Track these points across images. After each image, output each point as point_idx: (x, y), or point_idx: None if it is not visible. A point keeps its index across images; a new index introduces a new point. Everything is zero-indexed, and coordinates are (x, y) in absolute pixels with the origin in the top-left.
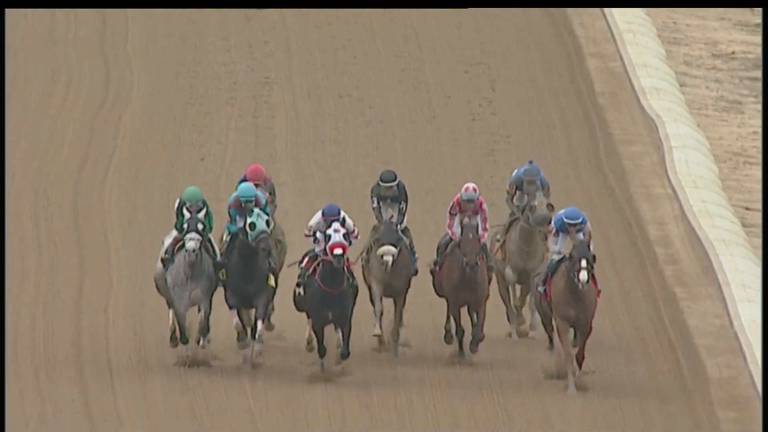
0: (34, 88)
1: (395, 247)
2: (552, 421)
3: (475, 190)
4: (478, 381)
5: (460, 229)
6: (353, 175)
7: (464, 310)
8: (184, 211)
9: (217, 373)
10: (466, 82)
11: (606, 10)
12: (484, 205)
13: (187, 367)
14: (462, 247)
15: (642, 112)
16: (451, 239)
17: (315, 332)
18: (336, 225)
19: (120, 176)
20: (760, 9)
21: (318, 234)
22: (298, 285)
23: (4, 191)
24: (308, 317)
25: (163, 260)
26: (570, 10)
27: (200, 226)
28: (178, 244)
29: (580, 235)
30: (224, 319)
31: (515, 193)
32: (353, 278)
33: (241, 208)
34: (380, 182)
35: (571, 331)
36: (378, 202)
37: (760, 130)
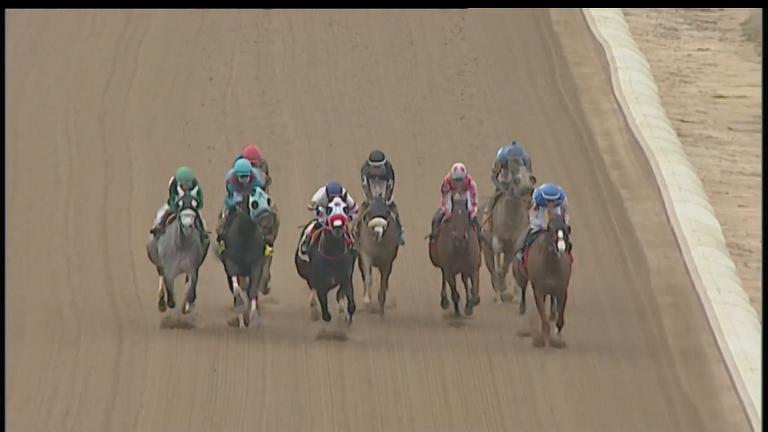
0: (66, 19)
1: (384, 219)
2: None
3: (463, 169)
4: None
5: (451, 205)
6: (341, 93)
7: (458, 277)
8: (178, 189)
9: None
10: (441, 13)
11: None
12: (473, 182)
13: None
14: (452, 221)
15: (592, 38)
16: (444, 214)
17: (318, 297)
18: (337, 200)
19: (140, 94)
20: None
21: (321, 208)
22: (303, 252)
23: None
24: (309, 285)
25: (154, 231)
26: None
27: (194, 203)
28: (170, 217)
29: (558, 210)
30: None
31: (500, 170)
32: (352, 246)
33: (238, 182)
34: (369, 161)
35: (548, 298)
36: (367, 180)
37: (694, 52)
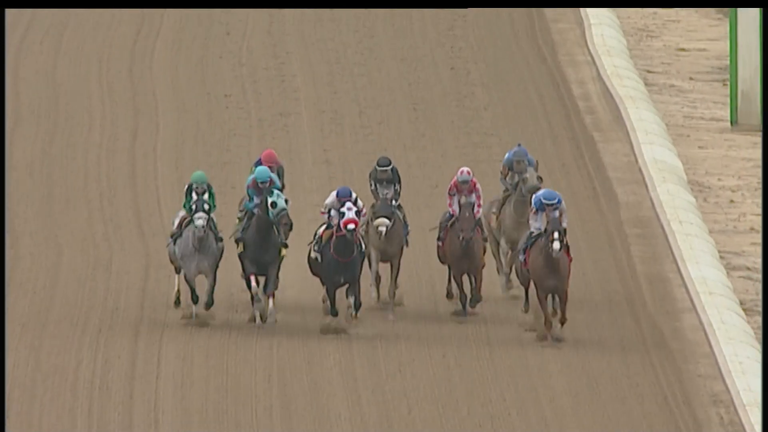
0: None
1: (389, 219)
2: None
3: (469, 173)
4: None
5: (458, 207)
6: (345, 46)
7: (464, 277)
8: (192, 194)
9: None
10: None
11: None
12: (478, 185)
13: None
14: (459, 223)
15: None
16: (451, 216)
17: (327, 294)
18: (349, 204)
19: (164, 47)
20: None
21: (332, 211)
22: (315, 251)
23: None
24: (322, 282)
25: (172, 235)
26: None
27: (206, 207)
28: (186, 221)
29: (556, 213)
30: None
31: (508, 173)
32: (362, 247)
33: (258, 188)
34: (377, 167)
35: (549, 296)
36: (375, 185)
37: (659, 10)
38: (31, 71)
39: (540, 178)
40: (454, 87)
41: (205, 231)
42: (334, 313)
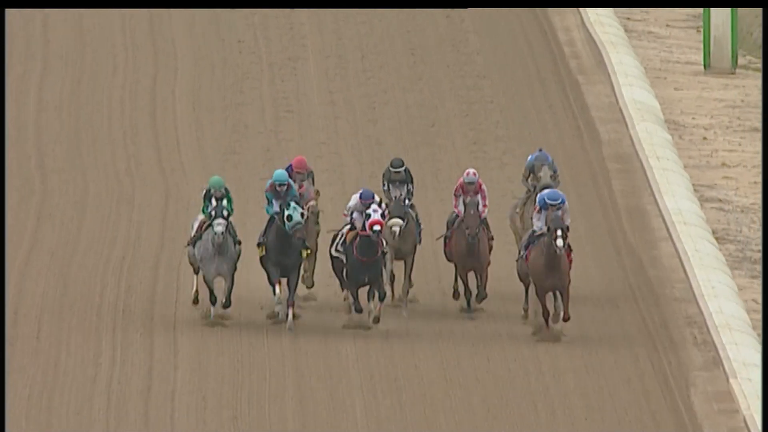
0: None
1: (402, 219)
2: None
3: (475, 174)
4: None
5: (464, 208)
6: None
7: (470, 274)
8: (212, 200)
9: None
10: None
11: None
12: (483, 186)
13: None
14: (465, 221)
15: None
16: (457, 216)
17: (351, 293)
18: (374, 206)
19: (182, 14)
20: None
21: (355, 214)
22: (339, 252)
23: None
24: (341, 283)
25: (192, 238)
26: None
27: (225, 213)
28: (205, 225)
29: (558, 212)
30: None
31: (530, 175)
32: (385, 247)
33: (276, 191)
34: (390, 168)
35: (549, 295)
36: (388, 185)
37: None
38: (59, 20)
39: (554, 178)
40: (449, 34)
41: (224, 237)
42: (359, 309)
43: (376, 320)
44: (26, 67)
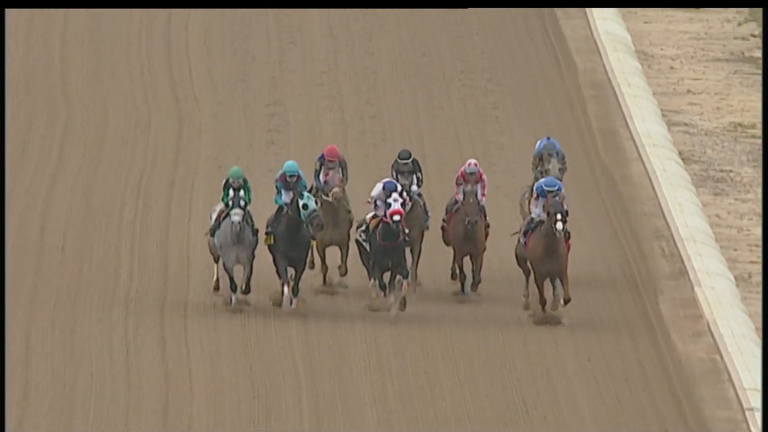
0: None
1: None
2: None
3: (476, 165)
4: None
5: (463, 195)
6: None
7: (466, 259)
8: (230, 191)
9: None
10: None
11: None
12: (484, 176)
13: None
14: (464, 208)
15: None
16: (456, 201)
17: (376, 276)
18: (395, 196)
19: None
20: None
21: (378, 202)
22: (364, 240)
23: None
24: (368, 271)
25: (211, 228)
26: None
27: (242, 203)
28: (224, 214)
29: (556, 199)
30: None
31: (538, 163)
32: (407, 234)
33: (286, 181)
34: (398, 159)
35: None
36: (396, 175)
37: None
38: None
39: (562, 170)
40: None
41: (241, 226)
42: (384, 288)
43: (403, 306)
44: (50, 9)
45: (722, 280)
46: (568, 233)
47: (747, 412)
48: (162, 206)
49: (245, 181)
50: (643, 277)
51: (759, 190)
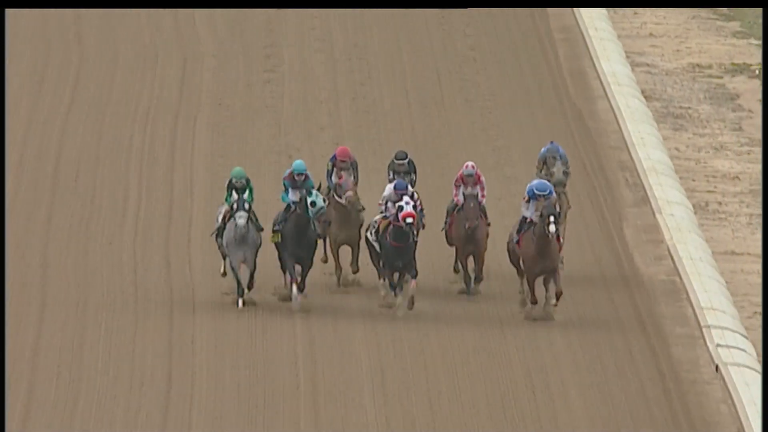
0: None
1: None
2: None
3: (474, 167)
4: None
5: (463, 197)
6: None
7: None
8: (233, 192)
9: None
10: None
11: None
12: (482, 177)
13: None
14: (464, 212)
15: None
16: (456, 204)
17: (387, 276)
18: (407, 198)
19: None
20: None
21: (389, 203)
22: (374, 240)
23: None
24: (378, 271)
25: (217, 229)
26: None
27: (246, 206)
28: (228, 215)
29: (549, 202)
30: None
31: (542, 167)
32: (416, 235)
33: (293, 180)
34: (395, 160)
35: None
36: (393, 175)
37: None
38: None
39: (566, 174)
40: None
41: (246, 228)
42: (394, 287)
43: (411, 305)
44: None
45: (681, 208)
46: (559, 233)
47: (704, 329)
48: (167, 136)
49: (248, 180)
50: (609, 205)
51: (715, 126)
